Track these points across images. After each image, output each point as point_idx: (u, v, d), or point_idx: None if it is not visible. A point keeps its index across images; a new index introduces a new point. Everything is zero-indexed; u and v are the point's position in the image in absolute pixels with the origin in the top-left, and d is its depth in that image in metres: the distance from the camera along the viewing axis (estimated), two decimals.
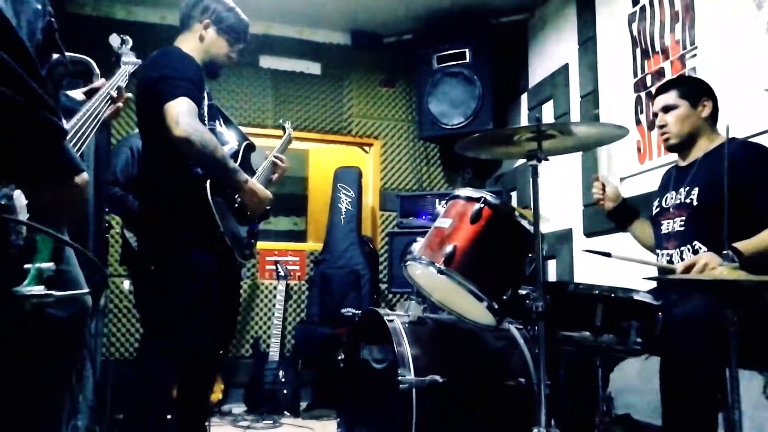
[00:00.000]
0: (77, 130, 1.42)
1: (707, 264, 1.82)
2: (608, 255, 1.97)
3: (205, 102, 2.30)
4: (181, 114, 2.10)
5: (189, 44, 2.37)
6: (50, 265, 1.16)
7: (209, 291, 2.22)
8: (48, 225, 1.02)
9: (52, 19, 1.34)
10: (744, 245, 1.85)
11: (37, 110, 1.04)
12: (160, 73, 2.17)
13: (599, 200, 2.47)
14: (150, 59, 2.24)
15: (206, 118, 2.27)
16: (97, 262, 1.20)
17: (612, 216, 2.49)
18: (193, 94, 2.17)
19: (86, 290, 1.30)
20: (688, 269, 1.86)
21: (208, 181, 2.21)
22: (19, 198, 1.03)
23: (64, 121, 1.40)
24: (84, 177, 1.18)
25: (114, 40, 2.16)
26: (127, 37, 2.19)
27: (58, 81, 1.40)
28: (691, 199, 2.13)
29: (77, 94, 1.76)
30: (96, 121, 1.57)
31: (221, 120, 2.48)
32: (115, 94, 1.75)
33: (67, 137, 1.33)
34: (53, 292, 1.12)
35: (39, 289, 1.11)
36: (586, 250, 1.98)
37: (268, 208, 2.45)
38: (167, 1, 4.14)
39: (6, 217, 0.98)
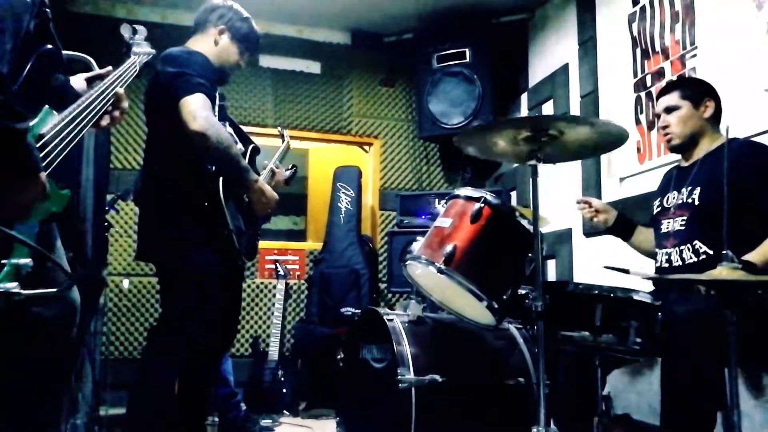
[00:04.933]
0: (69, 121, 1.38)
1: None
2: (627, 272, 1.96)
3: (217, 102, 2.31)
4: (199, 109, 2.12)
5: (202, 47, 2.38)
6: (27, 261, 1.14)
7: (213, 291, 2.22)
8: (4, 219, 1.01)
9: (47, 9, 1.33)
10: (755, 257, 1.85)
11: None
12: (177, 69, 2.18)
13: (592, 217, 2.45)
14: (166, 55, 2.26)
15: (216, 118, 2.28)
16: (59, 265, 1.18)
17: (613, 231, 2.47)
18: (209, 92, 2.20)
19: (54, 289, 1.27)
20: None
21: (221, 179, 2.22)
22: None
23: (52, 117, 1.38)
24: (41, 177, 1.16)
25: (125, 29, 2.11)
26: (141, 27, 2.15)
27: (46, 71, 1.38)
28: (693, 199, 2.13)
29: (78, 80, 1.71)
30: (93, 112, 1.51)
31: (229, 122, 2.50)
32: (121, 91, 1.66)
33: (45, 131, 1.30)
34: (21, 291, 1.09)
35: (11, 286, 1.09)
36: (606, 267, 1.98)
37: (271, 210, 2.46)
38: (168, 0, 4.13)
39: None
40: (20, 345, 1.37)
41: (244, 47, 2.49)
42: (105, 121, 1.62)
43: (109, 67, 1.77)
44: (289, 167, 2.80)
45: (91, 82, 1.69)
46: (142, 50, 2.05)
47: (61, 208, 1.36)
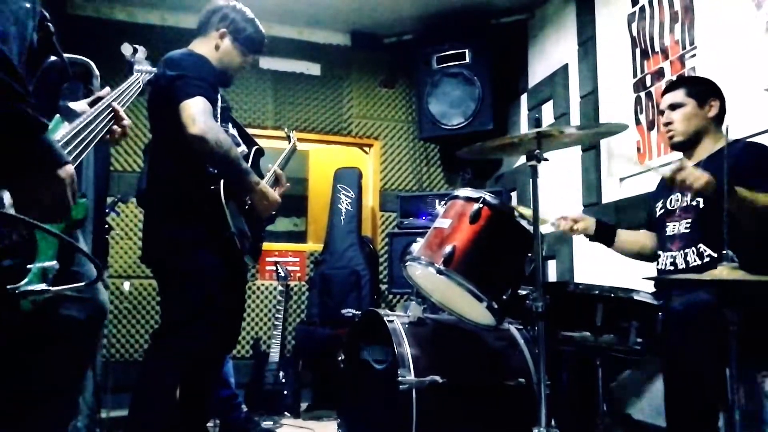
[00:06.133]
0: (70, 138, 1.40)
1: (695, 176, 1.83)
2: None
3: (219, 104, 2.31)
4: (198, 113, 2.12)
5: (203, 50, 2.38)
6: (53, 263, 1.15)
7: (216, 292, 2.22)
8: (35, 220, 1.02)
9: (49, 23, 1.34)
10: (741, 190, 1.83)
11: (13, 104, 1.04)
12: (177, 72, 2.19)
13: (572, 229, 2.41)
14: (167, 57, 2.26)
15: (219, 120, 2.28)
16: (93, 258, 1.19)
17: (596, 239, 2.45)
18: (209, 95, 2.19)
19: (82, 283, 1.29)
20: (677, 171, 1.88)
21: (222, 182, 2.21)
22: (4, 195, 1.03)
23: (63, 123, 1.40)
24: (68, 170, 1.17)
25: (126, 49, 2.14)
26: (141, 47, 2.17)
27: (54, 83, 1.40)
28: (698, 202, 2.12)
29: (81, 105, 1.74)
30: (96, 130, 1.53)
31: (232, 123, 2.49)
32: (119, 107, 1.68)
33: (57, 138, 1.32)
34: (50, 288, 1.11)
35: (39, 287, 1.10)
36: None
37: (274, 212, 2.46)
38: (167, 2, 4.14)
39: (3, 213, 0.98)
40: (51, 345, 1.38)
41: (248, 50, 2.47)
42: (108, 136, 1.66)
43: (107, 88, 1.79)
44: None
45: (92, 105, 1.71)
46: (143, 68, 2.07)
47: (81, 215, 1.38)
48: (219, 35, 2.41)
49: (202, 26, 2.44)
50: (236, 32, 2.42)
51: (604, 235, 2.44)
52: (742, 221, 1.83)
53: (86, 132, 1.42)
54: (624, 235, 2.43)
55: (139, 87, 1.95)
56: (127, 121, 1.68)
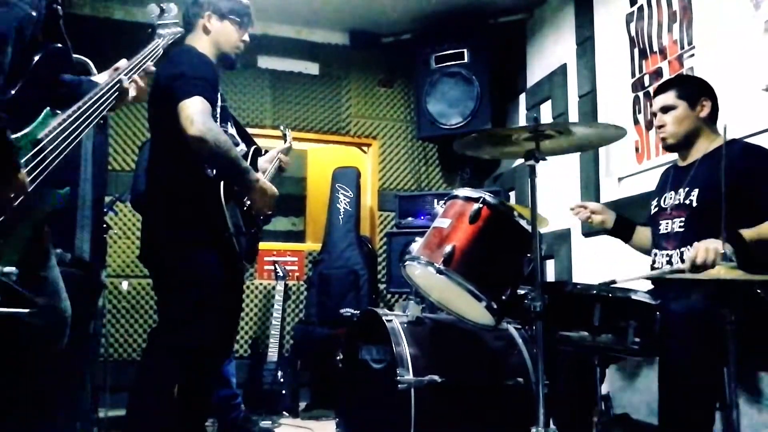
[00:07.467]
0: (69, 123, 1.38)
1: (708, 251, 1.81)
2: (614, 282, 2.02)
3: (218, 103, 2.29)
4: (196, 113, 2.08)
5: (199, 42, 2.35)
6: (13, 269, 1.16)
7: (214, 293, 2.22)
8: None
9: (58, 6, 1.34)
10: (747, 232, 1.87)
11: None
12: (175, 71, 2.16)
13: (588, 218, 2.46)
14: (164, 56, 2.24)
15: (218, 119, 2.27)
16: (23, 292, 1.22)
17: (613, 233, 2.47)
18: (209, 94, 2.16)
19: (25, 310, 1.28)
20: (694, 266, 1.84)
21: (222, 183, 2.21)
22: None
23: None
24: (22, 175, 1.20)
25: (152, 9, 2.07)
26: (171, 4, 2.09)
27: (53, 69, 1.39)
28: (691, 200, 2.12)
29: (102, 77, 1.72)
30: (95, 111, 1.50)
31: (232, 122, 2.48)
32: (137, 75, 1.69)
33: (47, 131, 1.32)
34: None
35: None
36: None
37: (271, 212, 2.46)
38: (165, 2, 4.12)
39: None
40: (12, 351, 1.37)
41: (238, 21, 2.41)
42: (132, 94, 1.71)
43: (123, 60, 1.77)
44: (263, 152, 2.75)
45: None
46: (167, 31, 2.01)
47: (56, 204, 1.37)
48: (206, 20, 2.36)
49: (189, 21, 2.39)
50: (218, 10, 2.37)
51: (622, 230, 2.46)
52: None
53: (76, 124, 1.41)
54: (642, 233, 2.44)
55: (159, 52, 1.90)
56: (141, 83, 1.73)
